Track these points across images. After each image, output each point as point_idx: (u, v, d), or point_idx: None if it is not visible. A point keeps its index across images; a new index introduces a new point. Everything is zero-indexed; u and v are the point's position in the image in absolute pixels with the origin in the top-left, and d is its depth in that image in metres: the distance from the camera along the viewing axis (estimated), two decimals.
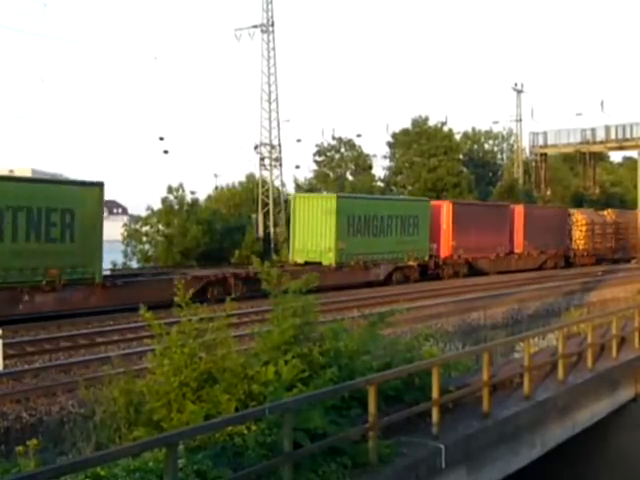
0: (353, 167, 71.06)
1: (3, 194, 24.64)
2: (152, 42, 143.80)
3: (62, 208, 26.06)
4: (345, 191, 55.86)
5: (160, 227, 42.11)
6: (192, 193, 44.73)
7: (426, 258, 41.77)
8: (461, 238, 43.63)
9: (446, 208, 43.96)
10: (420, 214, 41.74)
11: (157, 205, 42.55)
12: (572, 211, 57.12)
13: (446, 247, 43.37)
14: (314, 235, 36.68)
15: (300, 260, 36.42)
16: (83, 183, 28.30)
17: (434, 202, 44.98)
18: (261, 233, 47.29)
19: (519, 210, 50.26)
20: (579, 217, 56.81)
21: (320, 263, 35.86)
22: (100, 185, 27.75)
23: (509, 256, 49.07)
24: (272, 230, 47.77)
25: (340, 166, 70.83)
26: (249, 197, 51.41)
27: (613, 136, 68.73)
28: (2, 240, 24.54)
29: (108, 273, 31.40)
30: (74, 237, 26.44)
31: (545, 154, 73.34)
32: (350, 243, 36.90)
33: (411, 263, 40.68)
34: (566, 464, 14.81)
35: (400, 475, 9.50)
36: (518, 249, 49.90)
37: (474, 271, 45.37)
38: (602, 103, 67.31)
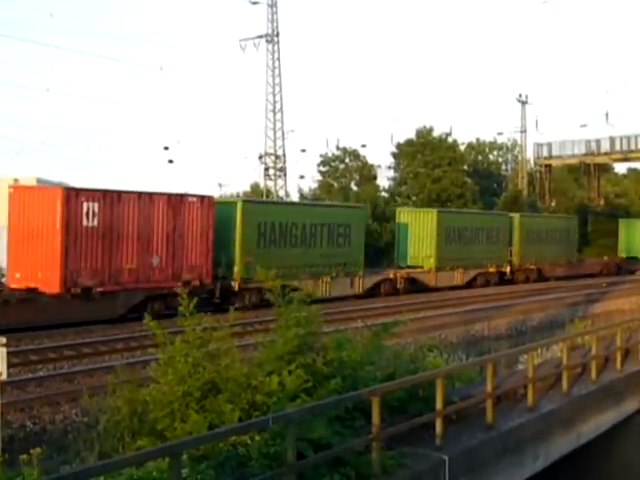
0: (357, 177, 71.09)
1: (318, 215, 36.59)
2: (158, 52, 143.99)
3: (344, 224, 37.17)
4: (350, 201, 56.02)
5: None
6: None
7: (505, 265, 47.70)
8: (529, 247, 49.78)
9: (516, 220, 49.51)
10: (501, 226, 47.86)
11: None
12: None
13: (517, 255, 48.92)
14: (417, 243, 43.16)
15: (402, 265, 42.93)
16: (356, 207, 43.16)
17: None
18: None
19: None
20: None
21: (422, 267, 42.69)
22: (364, 207, 43.76)
23: (570, 263, 55.03)
24: None
25: (344, 176, 70.86)
26: None
27: (618, 147, 68.63)
28: (319, 246, 35.73)
29: None
30: (350, 243, 37.28)
31: (549, 165, 73.27)
32: (446, 250, 43.20)
33: (492, 269, 46.66)
34: (570, 476, 14.75)
35: None
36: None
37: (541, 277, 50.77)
38: (607, 114, 66.98)
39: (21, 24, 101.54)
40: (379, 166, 71.09)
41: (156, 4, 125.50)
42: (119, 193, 27.87)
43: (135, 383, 10.82)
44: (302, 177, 63.07)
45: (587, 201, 73.74)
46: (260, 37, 49.98)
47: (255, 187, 57.83)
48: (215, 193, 45.80)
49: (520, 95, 71.66)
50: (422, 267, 42.46)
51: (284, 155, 50.76)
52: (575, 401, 13.98)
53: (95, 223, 26.54)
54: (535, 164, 75.28)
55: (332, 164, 70.97)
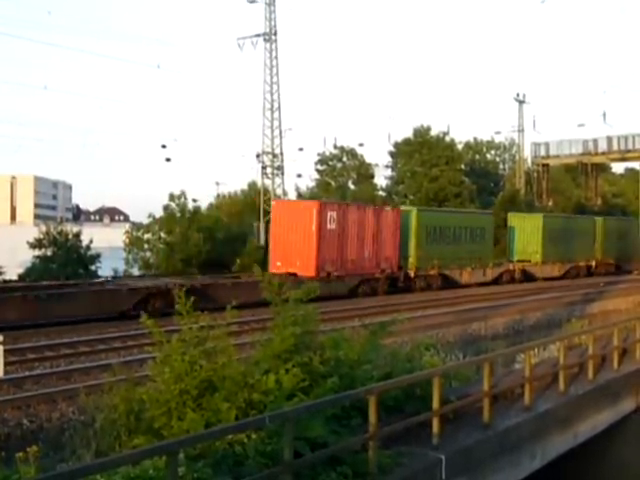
0: (355, 176, 71.14)
1: (463, 220, 47.56)
2: (155, 50, 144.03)
3: (480, 226, 47.90)
4: (347, 199, 56.10)
5: (162, 235, 42.04)
6: (194, 201, 44.71)
7: (591, 260, 57.33)
8: (609, 244, 58.86)
9: (599, 223, 58.82)
10: (589, 228, 57.52)
11: (159, 213, 42.56)
12: None
13: (599, 252, 58.13)
14: (525, 242, 52.32)
15: (513, 259, 51.83)
16: (487, 213, 52.65)
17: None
18: (262, 241, 47.27)
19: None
20: None
21: (529, 261, 51.74)
22: (491, 213, 52.29)
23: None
24: None
25: (342, 175, 70.92)
26: (251, 205, 51.41)
27: (615, 147, 68.69)
28: (464, 243, 45.71)
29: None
30: (484, 241, 47.75)
31: (547, 165, 73.34)
32: (549, 248, 52.34)
33: (582, 264, 56.28)
34: (567, 475, 14.77)
35: None
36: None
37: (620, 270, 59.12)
38: (604, 114, 67.11)
39: (19, 22, 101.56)
40: (376, 165, 71.28)
41: (154, 2, 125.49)
42: (347, 204, 41.24)
43: (132, 381, 10.81)
44: (300, 176, 63.21)
45: (584, 201, 73.82)
46: (258, 35, 49.89)
47: (252, 185, 57.71)
48: (212, 191, 45.74)
49: (518, 94, 71.77)
50: (529, 261, 51.78)
51: (281, 154, 50.69)
52: (572, 401, 13.98)
53: (334, 227, 36.74)
54: (532, 163, 75.35)
55: (330, 163, 71.03)
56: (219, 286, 31.99)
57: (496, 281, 47.39)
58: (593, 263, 57.90)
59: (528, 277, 50.21)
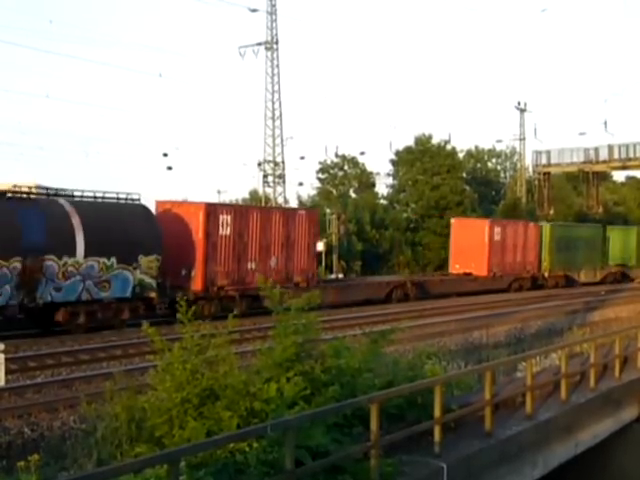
0: (356, 185, 71.14)
1: (580, 231, 58.13)
2: (157, 59, 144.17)
3: (591, 237, 58.05)
4: (348, 209, 56.14)
5: None
6: None
7: None
8: None
9: None
10: None
11: None
12: None
13: None
14: (621, 249, 62.51)
15: (612, 263, 62.35)
16: (596, 226, 61.42)
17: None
18: None
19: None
20: None
21: (627, 265, 61.97)
22: (599, 226, 61.32)
23: None
24: None
25: (343, 184, 70.91)
26: None
27: (616, 155, 68.62)
28: (580, 251, 55.61)
29: None
30: (594, 249, 58.25)
31: (548, 173, 73.25)
32: None
33: None
34: None
35: None
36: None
37: None
38: (605, 123, 67.02)
39: (20, 30, 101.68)
40: (378, 173, 71.25)
41: (155, 11, 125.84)
42: (507, 221, 52.67)
43: (133, 390, 10.80)
44: (301, 184, 63.14)
45: (586, 209, 73.80)
46: (259, 44, 50.05)
47: (254, 194, 57.81)
48: (214, 200, 45.76)
49: (519, 103, 71.81)
50: (625, 265, 62.03)
51: (283, 162, 50.80)
52: (573, 409, 13.96)
53: (498, 238, 48.81)
54: (534, 172, 75.25)
55: (331, 171, 71.04)
56: (434, 282, 45.67)
57: (602, 281, 57.48)
58: None
59: (625, 277, 61.16)
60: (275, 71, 50.05)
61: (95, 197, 27.25)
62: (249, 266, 32.13)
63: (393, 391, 10.79)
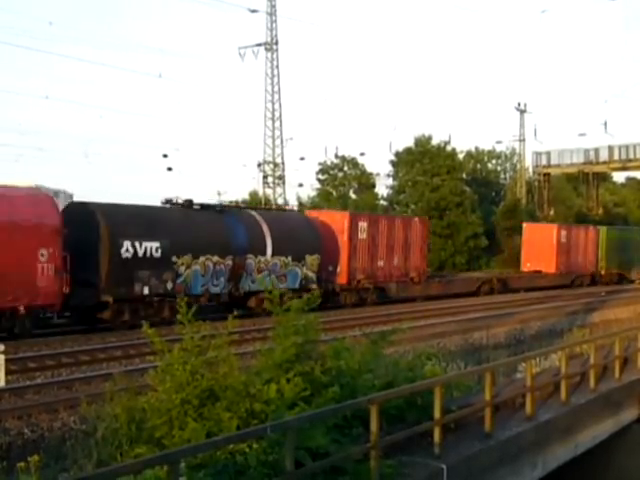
0: (356, 185, 71.14)
1: (632, 234, 63.89)
2: (157, 59, 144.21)
3: (637, 239, 62.55)
4: (349, 209, 56.09)
5: None
6: None
7: None
8: None
9: None
10: None
11: None
12: None
13: None
14: None
15: None
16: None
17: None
18: None
19: None
20: None
21: None
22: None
23: None
24: None
25: (343, 184, 70.93)
26: None
27: (616, 156, 68.77)
28: (630, 252, 60.89)
29: None
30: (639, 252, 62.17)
31: (548, 174, 73.38)
32: None
33: None
34: None
35: None
36: None
37: None
38: (605, 123, 67.12)
39: (20, 31, 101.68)
40: (378, 174, 71.25)
41: (155, 12, 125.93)
42: (576, 227, 59.40)
43: (133, 391, 10.80)
44: (301, 185, 63.23)
45: (586, 210, 73.86)
46: (259, 45, 50.14)
47: (254, 195, 57.84)
48: (214, 200, 45.80)
49: (519, 104, 71.95)
50: None
51: (283, 163, 50.90)
52: (573, 410, 13.96)
53: (565, 241, 55.49)
54: (534, 173, 75.41)
55: (331, 172, 71.05)
56: (514, 278, 51.61)
57: None
58: None
59: None
60: (275, 72, 50.16)
61: (270, 209, 36.28)
62: (379, 264, 39.23)
63: (393, 392, 10.79)
